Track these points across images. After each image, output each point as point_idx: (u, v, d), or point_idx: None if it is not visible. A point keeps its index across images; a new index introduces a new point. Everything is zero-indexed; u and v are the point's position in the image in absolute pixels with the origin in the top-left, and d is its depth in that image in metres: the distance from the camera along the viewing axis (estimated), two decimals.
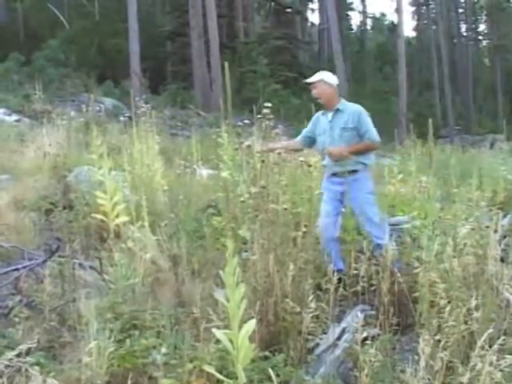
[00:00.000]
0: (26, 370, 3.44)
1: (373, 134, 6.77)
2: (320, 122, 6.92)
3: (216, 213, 7.37)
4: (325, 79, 6.85)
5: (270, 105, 5.77)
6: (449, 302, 4.40)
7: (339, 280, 4.94)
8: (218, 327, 3.77)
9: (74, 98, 25.89)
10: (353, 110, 6.83)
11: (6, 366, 3.42)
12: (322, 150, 6.76)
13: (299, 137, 7.12)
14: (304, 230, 5.13)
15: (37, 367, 3.42)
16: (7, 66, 28.28)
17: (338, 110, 6.80)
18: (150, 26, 42.03)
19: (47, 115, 14.98)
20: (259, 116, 5.74)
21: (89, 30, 40.58)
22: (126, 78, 33.18)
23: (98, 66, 37.12)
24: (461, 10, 62.55)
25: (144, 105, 9.25)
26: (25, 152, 11.98)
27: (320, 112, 6.97)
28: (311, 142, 7.01)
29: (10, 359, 3.45)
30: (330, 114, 6.83)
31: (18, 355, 3.55)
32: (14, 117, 19.15)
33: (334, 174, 6.60)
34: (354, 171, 6.52)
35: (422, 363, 3.65)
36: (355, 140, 6.71)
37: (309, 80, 6.91)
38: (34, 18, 44.39)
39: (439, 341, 3.99)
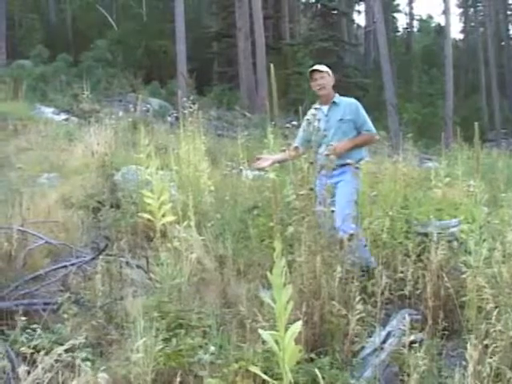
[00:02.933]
0: (76, 366, 3.49)
1: (371, 126, 6.78)
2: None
3: (261, 214, 7.38)
4: (329, 72, 6.84)
5: (317, 106, 5.78)
6: (496, 308, 4.35)
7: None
8: (264, 328, 3.78)
9: (121, 98, 26.18)
10: (349, 102, 6.82)
11: (56, 361, 3.47)
12: (319, 146, 6.53)
13: (297, 142, 6.87)
14: (351, 232, 5.12)
15: (88, 363, 3.47)
16: (56, 66, 28.66)
17: (334, 103, 6.77)
18: (197, 27, 42.28)
19: (95, 114, 15.17)
20: (307, 117, 5.74)
21: (136, 31, 41.00)
22: (172, 79, 33.43)
23: (145, 66, 37.53)
24: (509, 12, 61.63)
25: (192, 105, 9.30)
26: (73, 151, 12.15)
27: (312, 109, 6.80)
28: (310, 142, 6.80)
29: (60, 354, 3.50)
30: (325, 108, 6.76)
31: (67, 350, 3.60)
32: (63, 116, 19.39)
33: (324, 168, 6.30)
34: (345, 165, 6.35)
35: (470, 369, 3.60)
36: (352, 132, 6.69)
37: (318, 67, 6.83)
38: (82, 19, 45.06)
39: (487, 346, 3.95)
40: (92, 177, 9.57)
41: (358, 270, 4.94)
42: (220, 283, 5.50)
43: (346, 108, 6.72)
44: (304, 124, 6.65)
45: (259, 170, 7.13)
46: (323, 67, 6.84)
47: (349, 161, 6.30)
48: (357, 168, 6.50)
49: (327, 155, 5.91)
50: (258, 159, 6.86)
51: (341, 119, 6.66)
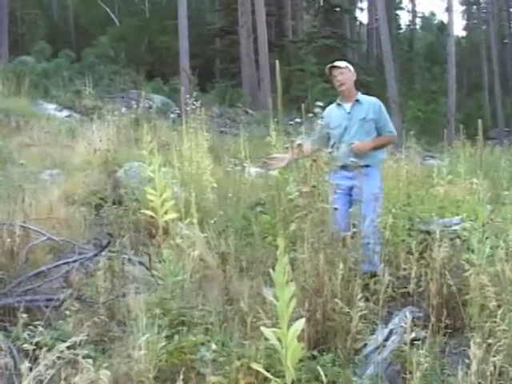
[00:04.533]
0: (79, 362, 3.48)
1: (392, 127, 6.82)
2: (333, 114, 6.74)
3: (265, 211, 7.38)
4: (349, 67, 6.80)
5: (321, 104, 5.76)
6: (499, 306, 4.35)
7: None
8: (266, 325, 3.78)
9: (124, 95, 26.14)
10: (373, 101, 6.79)
11: (58, 358, 3.46)
12: (335, 144, 6.43)
13: (312, 138, 6.76)
14: (354, 229, 5.11)
15: (90, 360, 3.46)
16: (58, 62, 28.59)
17: (357, 101, 6.74)
18: (199, 23, 42.29)
19: (97, 111, 15.16)
20: (311, 115, 5.72)
21: (139, 27, 41.04)
22: (174, 76, 33.39)
23: (148, 62, 37.57)
24: None
25: (195, 102, 9.29)
26: (75, 147, 12.16)
27: (333, 105, 6.81)
28: (328, 139, 6.72)
29: (62, 351, 3.49)
30: (347, 106, 6.74)
31: (69, 347, 3.59)
32: (65, 112, 19.40)
33: (344, 167, 6.30)
34: (367, 165, 6.31)
35: (474, 367, 3.60)
36: (373, 132, 6.68)
37: (337, 63, 6.80)
38: (84, 16, 45.12)
39: (490, 345, 3.94)
40: (94, 173, 9.58)
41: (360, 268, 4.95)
42: (222, 280, 5.49)
43: (369, 107, 6.69)
44: (320, 121, 6.60)
45: (274, 170, 7.00)
46: (342, 63, 6.80)
47: (372, 161, 6.33)
48: (377, 168, 6.54)
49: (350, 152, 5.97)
50: (272, 159, 6.78)
51: (364, 118, 6.63)
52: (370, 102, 6.78)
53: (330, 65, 6.81)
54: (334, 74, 6.76)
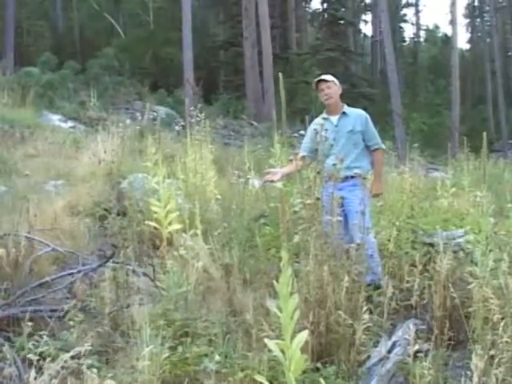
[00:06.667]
0: (82, 372, 3.50)
1: (379, 140, 6.87)
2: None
3: (268, 223, 7.38)
4: (335, 81, 6.81)
5: (325, 116, 5.77)
6: (503, 319, 4.34)
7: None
8: (270, 337, 3.78)
9: (128, 106, 26.21)
10: (359, 113, 6.83)
11: (62, 368, 3.47)
12: (327, 156, 6.36)
13: (302, 153, 6.70)
14: (358, 241, 5.11)
15: (94, 370, 3.48)
16: (63, 73, 28.63)
17: (344, 114, 6.75)
18: (204, 35, 42.42)
19: (102, 122, 15.20)
20: (314, 127, 5.73)
21: (143, 39, 41.17)
22: (178, 87, 33.47)
23: (152, 74, 37.63)
24: None
25: (199, 114, 9.30)
26: (80, 158, 12.19)
27: (319, 119, 6.50)
28: (317, 152, 6.70)
29: (66, 361, 3.51)
30: (334, 118, 6.73)
31: (73, 358, 3.61)
32: (70, 123, 19.45)
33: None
34: (354, 176, 6.35)
35: (475, 379, 3.60)
36: (361, 143, 6.70)
37: (324, 77, 6.81)
38: (90, 27, 45.30)
39: (492, 357, 3.94)
40: (99, 184, 9.59)
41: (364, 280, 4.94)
42: (226, 292, 5.49)
43: (356, 119, 6.71)
44: (310, 133, 6.60)
45: (270, 182, 6.98)
46: (329, 77, 6.81)
47: (358, 171, 6.29)
48: (365, 179, 6.51)
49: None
50: (267, 173, 6.78)
51: (351, 130, 6.64)
52: (356, 114, 6.81)
53: (317, 79, 6.84)
54: (321, 87, 6.77)
